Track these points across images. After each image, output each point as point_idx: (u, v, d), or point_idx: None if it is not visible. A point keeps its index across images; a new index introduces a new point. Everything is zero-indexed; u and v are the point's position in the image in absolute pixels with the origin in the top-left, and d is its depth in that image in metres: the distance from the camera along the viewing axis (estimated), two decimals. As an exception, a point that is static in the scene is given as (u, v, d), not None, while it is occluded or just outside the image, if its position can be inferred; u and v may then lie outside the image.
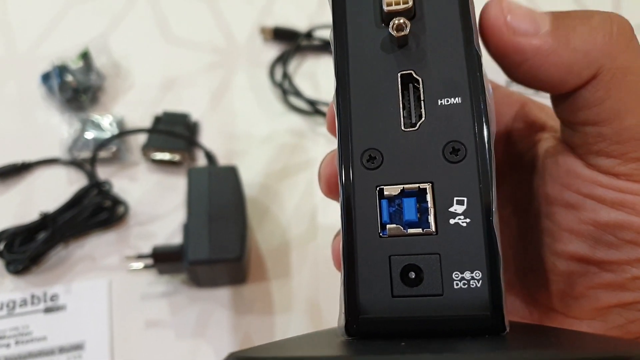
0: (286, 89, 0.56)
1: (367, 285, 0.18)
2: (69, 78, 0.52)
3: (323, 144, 0.53)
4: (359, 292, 0.18)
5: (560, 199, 0.21)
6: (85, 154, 0.49)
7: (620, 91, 0.18)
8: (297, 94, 0.55)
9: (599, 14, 0.19)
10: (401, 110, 0.19)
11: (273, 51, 0.59)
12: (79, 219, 0.45)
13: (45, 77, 0.53)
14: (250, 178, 0.49)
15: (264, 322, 0.44)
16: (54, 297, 0.43)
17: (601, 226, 0.20)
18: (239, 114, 0.55)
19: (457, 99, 0.18)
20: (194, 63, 0.57)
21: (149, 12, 0.61)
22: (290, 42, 0.59)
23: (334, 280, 0.23)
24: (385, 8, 0.19)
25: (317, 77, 0.58)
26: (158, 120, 0.52)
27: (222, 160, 0.50)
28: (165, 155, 0.50)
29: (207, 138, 0.52)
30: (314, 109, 0.55)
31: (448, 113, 0.18)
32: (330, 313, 0.44)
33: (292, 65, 0.58)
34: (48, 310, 0.43)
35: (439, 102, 0.18)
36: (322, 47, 0.59)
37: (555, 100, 0.20)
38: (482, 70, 0.18)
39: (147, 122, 0.52)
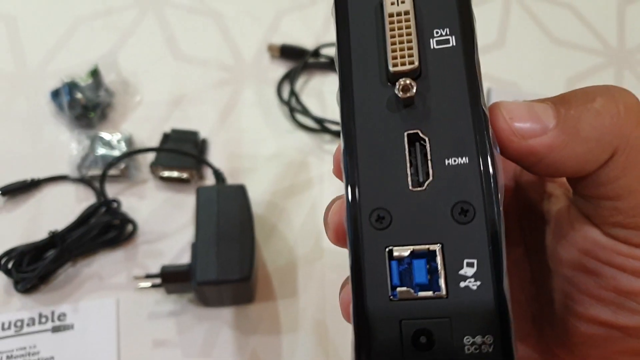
0: (293, 107, 0.56)
1: (378, 350, 0.18)
2: (78, 95, 0.52)
3: (329, 161, 0.53)
4: (371, 357, 0.18)
5: (578, 264, 0.21)
6: (94, 172, 0.50)
7: (635, 169, 0.18)
8: (304, 111, 0.56)
9: (600, 93, 0.18)
10: (408, 169, 0.19)
11: (280, 69, 0.59)
12: (88, 238, 0.45)
13: (55, 94, 0.53)
14: (257, 195, 0.49)
15: (271, 341, 0.44)
16: (61, 317, 0.43)
17: (623, 293, 0.20)
18: (246, 131, 0.55)
19: (464, 158, 0.18)
20: (202, 80, 0.58)
21: (157, 30, 0.61)
22: (297, 59, 0.59)
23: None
24: (391, 69, 0.19)
25: (324, 94, 0.58)
26: (166, 137, 0.52)
27: (229, 177, 0.50)
28: (174, 173, 0.50)
29: (215, 155, 0.53)
30: (321, 126, 0.55)
31: (455, 173, 0.18)
32: (336, 333, 0.44)
33: (299, 83, 0.58)
34: (56, 329, 0.43)
35: (446, 161, 0.18)
36: (329, 65, 0.60)
37: (575, 182, 0.21)
38: (488, 129, 0.18)
39: (155, 139, 0.52)
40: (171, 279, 0.42)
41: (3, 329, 0.42)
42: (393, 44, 0.19)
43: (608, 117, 0.18)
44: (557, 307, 0.22)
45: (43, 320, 0.43)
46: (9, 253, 0.44)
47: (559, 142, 0.18)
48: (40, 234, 0.45)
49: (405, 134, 0.19)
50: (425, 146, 0.19)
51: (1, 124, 0.54)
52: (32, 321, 0.43)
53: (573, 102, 0.19)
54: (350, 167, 0.19)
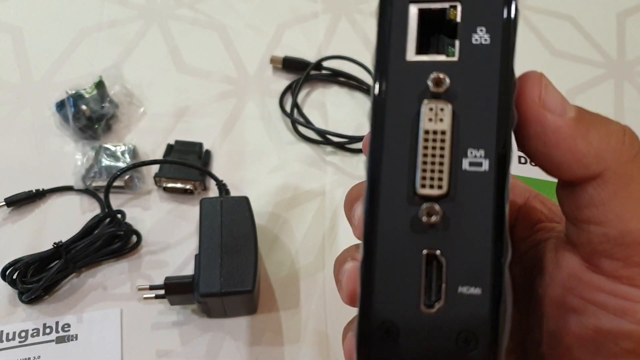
0: (295, 119, 0.56)
1: None
2: (83, 107, 0.53)
3: (331, 172, 0.54)
4: None
5: (562, 302, 0.21)
6: (99, 183, 0.50)
7: (624, 196, 0.19)
8: (306, 123, 0.56)
9: (616, 123, 0.20)
10: (423, 288, 0.19)
11: (283, 81, 0.60)
12: (92, 249, 0.45)
13: (60, 106, 0.54)
14: (259, 206, 0.50)
15: (273, 352, 0.44)
16: (65, 327, 0.44)
17: (603, 334, 0.20)
18: (249, 143, 0.55)
19: (477, 289, 0.18)
20: (205, 92, 0.58)
21: (162, 42, 0.62)
22: (300, 72, 0.60)
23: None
24: (419, 190, 0.19)
25: (326, 106, 0.59)
26: (170, 149, 0.53)
27: (232, 188, 0.50)
28: (178, 185, 0.50)
29: (218, 166, 0.53)
30: (323, 138, 0.55)
31: (466, 302, 0.18)
32: (338, 345, 0.44)
33: (301, 95, 0.59)
34: (60, 340, 0.43)
35: (459, 289, 0.19)
36: (331, 77, 0.60)
37: (563, 194, 0.21)
38: (507, 260, 0.18)
39: (159, 151, 0.53)
40: (175, 290, 0.43)
41: (7, 339, 0.43)
42: (424, 163, 0.19)
43: (614, 139, 0.19)
44: (544, 349, 0.22)
45: (47, 330, 0.43)
46: (13, 264, 0.44)
47: (568, 130, 0.19)
48: (45, 245, 0.46)
49: (424, 253, 0.19)
50: (441, 269, 0.19)
51: (6, 135, 0.54)
52: (36, 332, 0.43)
53: (593, 116, 0.20)
54: (367, 277, 0.19)
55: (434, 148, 0.19)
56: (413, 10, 0.20)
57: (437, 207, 0.18)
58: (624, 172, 0.19)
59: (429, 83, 0.19)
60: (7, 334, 0.43)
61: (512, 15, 0.19)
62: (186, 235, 0.49)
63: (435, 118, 0.19)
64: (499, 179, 0.19)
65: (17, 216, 0.49)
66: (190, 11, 0.65)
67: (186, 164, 0.50)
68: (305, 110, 0.58)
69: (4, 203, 0.49)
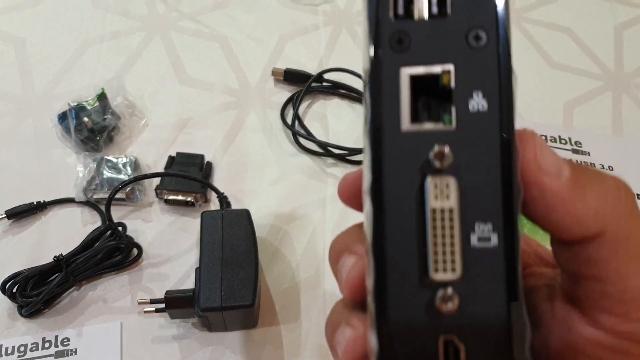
0: (296, 130, 0.56)
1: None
2: (85, 118, 0.53)
3: (332, 184, 0.54)
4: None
5: (562, 356, 0.21)
6: (100, 195, 0.50)
7: (623, 254, 0.19)
8: (308, 135, 0.56)
9: (611, 177, 0.20)
10: None
11: (284, 93, 0.60)
12: (92, 262, 0.45)
13: (62, 117, 0.54)
14: (260, 219, 0.50)
15: (274, 366, 0.44)
16: (65, 341, 0.43)
17: None
18: (250, 155, 0.55)
19: None
20: (207, 104, 0.58)
21: (164, 54, 0.62)
22: (301, 83, 0.60)
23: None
24: (432, 275, 0.18)
25: (327, 118, 0.59)
26: (172, 160, 0.53)
27: (233, 200, 0.50)
28: (179, 197, 0.50)
29: (220, 178, 0.53)
30: (324, 150, 0.55)
31: None
32: (339, 358, 0.44)
33: (303, 107, 0.59)
34: (59, 354, 0.43)
35: None
36: (332, 89, 0.60)
37: (560, 249, 0.21)
38: (528, 341, 0.18)
39: (161, 163, 0.53)
40: (175, 304, 0.43)
41: (6, 354, 0.43)
42: (435, 245, 0.18)
43: (611, 198, 0.19)
44: None
45: (46, 345, 0.43)
46: (13, 277, 0.44)
47: (566, 192, 0.19)
48: (46, 258, 0.45)
49: (441, 339, 0.18)
50: (459, 353, 0.18)
51: (8, 146, 0.54)
52: (35, 346, 0.43)
53: (587, 172, 0.20)
54: None
55: (443, 228, 0.18)
56: (405, 75, 0.19)
57: (452, 291, 0.18)
58: (622, 230, 0.19)
59: (432, 158, 0.18)
60: (7, 349, 0.43)
61: (509, 78, 0.18)
62: (187, 248, 0.49)
63: (442, 195, 0.18)
64: (509, 253, 0.18)
65: (17, 228, 0.49)
66: (193, 23, 0.65)
67: (187, 176, 0.50)
68: (307, 122, 0.58)
69: (4, 215, 0.49)
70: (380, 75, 0.19)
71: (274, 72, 0.60)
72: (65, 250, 0.46)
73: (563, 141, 0.43)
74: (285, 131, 0.57)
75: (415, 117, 0.19)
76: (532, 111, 0.60)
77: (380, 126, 0.19)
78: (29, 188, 0.51)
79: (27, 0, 0.66)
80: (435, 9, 0.19)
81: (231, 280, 0.42)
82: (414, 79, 0.19)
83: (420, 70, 0.18)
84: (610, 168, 0.42)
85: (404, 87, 0.18)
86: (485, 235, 0.18)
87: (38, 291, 0.44)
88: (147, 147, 0.55)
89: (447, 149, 0.18)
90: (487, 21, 0.18)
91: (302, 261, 0.49)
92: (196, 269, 0.44)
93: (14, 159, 0.53)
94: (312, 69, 0.61)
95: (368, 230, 0.19)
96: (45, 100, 0.57)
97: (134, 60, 0.61)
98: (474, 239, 0.18)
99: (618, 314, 0.19)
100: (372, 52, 0.19)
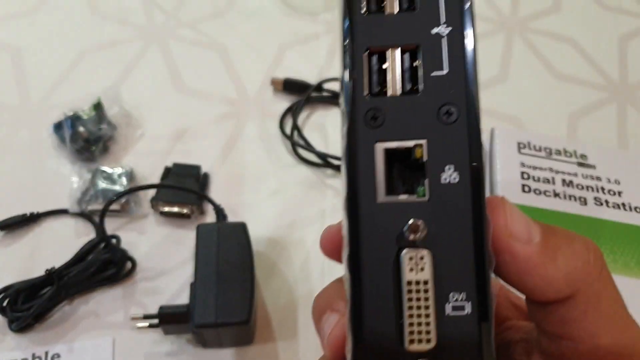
0: (295, 141, 0.56)
1: None
2: (81, 128, 0.52)
3: (332, 196, 0.53)
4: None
5: None
6: (94, 206, 0.49)
7: (594, 315, 0.20)
8: (307, 145, 0.55)
9: (579, 239, 0.21)
10: None
11: (283, 103, 0.59)
12: (85, 275, 0.44)
13: (57, 127, 0.53)
14: (257, 231, 0.49)
15: (270, 384, 0.43)
16: (55, 357, 0.42)
17: None
18: (248, 166, 0.55)
19: None
20: (204, 114, 0.58)
21: (161, 63, 0.61)
22: (300, 93, 0.59)
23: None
24: (407, 347, 0.18)
25: (327, 129, 0.58)
26: (168, 171, 0.52)
27: (230, 212, 0.50)
28: (174, 209, 0.49)
29: (217, 189, 0.52)
30: (323, 161, 0.54)
31: None
32: (337, 376, 0.43)
33: (302, 117, 0.58)
34: (50, 370, 0.42)
35: None
36: (332, 99, 0.59)
37: (534, 309, 0.22)
38: None
39: (157, 173, 0.52)
40: (169, 320, 0.42)
41: (-4, 369, 0.42)
42: (410, 316, 0.19)
43: (581, 261, 0.20)
44: None
45: (37, 360, 0.42)
46: (4, 290, 0.43)
47: (537, 257, 0.20)
48: (38, 270, 0.44)
49: None
50: None
51: (3, 156, 0.53)
52: (25, 361, 0.42)
53: (557, 234, 0.20)
54: None
55: (418, 299, 0.19)
56: (379, 150, 0.19)
57: None
58: (592, 291, 0.20)
59: (406, 232, 0.19)
60: (-4, 364, 0.42)
61: (479, 151, 0.19)
62: (182, 261, 0.48)
63: (417, 268, 0.19)
64: (482, 323, 0.19)
65: (9, 240, 0.49)
66: (191, 31, 0.64)
67: (183, 188, 0.49)
68: (306, 133, 0.57)
69: (-4, 227, 0.48)
70: (356, 150, 0.19)
71: (273, 82, 0.59)
72: (57, 263, 0.45)
73: (568, 154, 0.42)
74: (283, 142, 0.56)
75: (390, 190, 0.19)
76: (535, 122, 0.59)
77: (356, 198, 0.19)
78: (23, 198, 0.50)
79: (23, 9, 0.65)
80: (408, 86, 0.20)
81: (226, 296, 0.41)
82: (389, 152, 0.19)
83: (394, 144, 0.19)
84: (617, 182, 0.41)
85: (379, 161, 0.19)
86: (459, 304, 0.19)
87: (29, 305, 0.43)
88: (143, 158, 0.54)
89: (421, 223, 0.19)
90: (458, 97, 0.19)
91: (301, 276, 0.48)
92: (191, 284, 0.43)
93: (8, 169, 0.53)
94: (312, 79, 0.60)
95: (347, 296, 0.20)
96: (41, 110, 0.56)
97: (130, 69, 0.61)
98: (448, 309, 0.19)
99: None
100: (348, 129, 0.20)
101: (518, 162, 0.41)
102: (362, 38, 0.20)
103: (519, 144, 0.42)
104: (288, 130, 0.57)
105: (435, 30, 0.19)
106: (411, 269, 0.19)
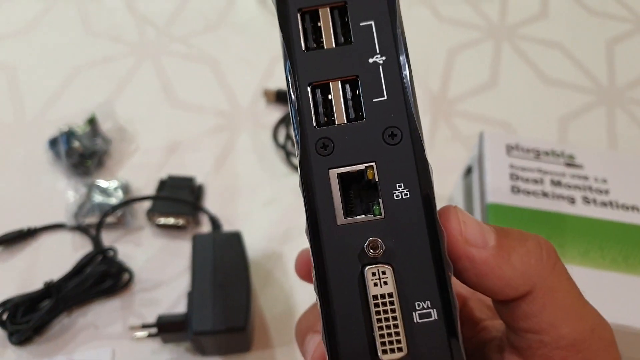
0: (289, 151, 0.56)
1: None
2: (76, 144, 0.53)
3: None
4: None
5: None
6: (91, 219, 0.50)
7: (552, 306, 0.21)
8: (300, 155, 0.56)
9: (532, 238, 0.22)
10: None
11: (276, 113, 0.60)
12: (83, 287, 0.45)
13: (53, 143, 0.54)
14: (253, 241, 0.49)
15: (269, 391, 0.43)
16: (56, 369, 0.43)
17: None
18: (242, 176, 0.55)
19: None
20: (198, 126, 0.58)
21: (154, 77, 0.62)
22: (293, 104, 0.60)
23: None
24: (381, 357, 0.19)
25: (320, 138, 0.58)
26: (163, 184, 0.53)
27: (226, 223, 0.50)
28: (170, 220, 0.50)
29: (211, 200, 0.53)
30: (317, 170, 0.55)
31: None
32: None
33: (295, 127, 0.59)
34: (50, 382, 0.42)
35: None
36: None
37: (499, 307, 0.23)
38: None
39: (152, 186, 0.53)
40: (167, 328, 0.42)
41: (-4, 382, 0.42)
42: (380, 328, 0.20)
43: (534, 258, 0.21)
44: None
45: (37, 372, 0.42)
46: (3, 304, 0.43)
47: (492, 260, 0.21)
48: (36, 284, 0.45)
49: None
50: None
51: (-1, 172, 0.54)
52: (26, 374, 0.42)
53: (511, 236, 0.22)
54: None
55: (385, 312, 0.20)
56: (333, 175, 0.20)
57: None
58: (547, 285, 0.21)
59: (366, 250, 0.20)
60: (-4, 377, 0.42)
61: (425, 167, 0.20)
62: (179, 272, 0.48)
63: (380, 282, 0.20)
64: (449, 325, 0.20)
65: (8, 255, 0.49)
66: (183, 46, 0.65)
67: (178, 199, 0.50)
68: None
69: (-6, 242, 0.48)
70: (311, 178, 0.20)
71: (266, 93, 0.60)
72: (56, 276, 0.45)
73: (556, 155, 0.42)
74: (277, 152, 0.57)
75: (348, 212, 0.20)
76: (526, 127, 0.60)
77: (317, 223, 0.20)
78: (20, 214, 0.51)
79: (18, 28, 0.66)
80: (352, 114, 0.21)
81: (223, 303, 0.41)
82: (342, 177, 0.20)
83: (346, 169, 0.20)
84: (604, 181, 0.41)
85: (334, 186, 0.20)
86: (425, 311, 0.20)
87: (28, 318, 0.43)
88: (138, 171, 0.54)
89: (379, 240, 0.20)
90: (400, 120, 0.20)
91: (296, 284, 0.49)
92: (188, 293, 0.43)
93: (5, 185, 0.53)
94: (304, 89, 0.61)
95: (320, 316, 0.20)
96: (36, 127, 0.57)
97: (124, 84, 0.61)
98: (415, 317, 0.20)
99: (557, 359, 0.21)
100: (301, 159, 0.21)
101: (507, 164, 0.42)
102: (304, 74, 0.21)
103: (507, 147, 0.42)
104: (281, 140, 0.57)
105: (371, 60, 0.21)
106: (375, 284, 0.20)
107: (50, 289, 0.44)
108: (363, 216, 0.20)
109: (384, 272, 0.20)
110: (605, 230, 0.39)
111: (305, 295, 0.48)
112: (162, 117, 0.59)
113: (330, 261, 0.20)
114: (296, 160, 0.50)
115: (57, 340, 0.44)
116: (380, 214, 0.20)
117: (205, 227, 0.51)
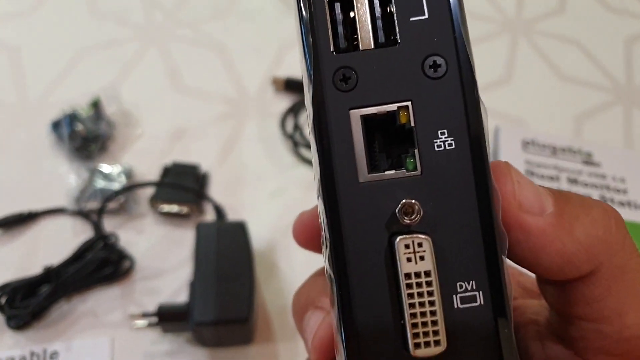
0: (297, 141, 0.55)
1: None
2: (79, 127, 0.51)
3: (333, 196, 0.52)
4: None
5: None
6: (93, 205, 0.49)
7: (619, 290, 0.17)
8: (308, 145, 0.55)
9: (597, 204, 0.18)
10: None
11: (284, 102, 0.58)
12: (83, 274, 0.44)
13: (56, 125, 0.52)
14: (258, 231, 0.48)
15: (270, 385, 0.42)
16: (53, 355, 0.42)
17: None
18: (248, 166, 0.54)
19: None
20: (204, 113, 0.57)
21: (160, 62, 0.61)
22: (302, 93, 0.58)
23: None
24: (414, 352, 0.15)
25: (329, 129, 0.57)
26: (167, 171, 0.51)
27: (230, 212, 0.49)
28: (174, 208, 0.49)
29: (216, 189, 0.52)
30: (325, 161, 0.54)
31: None
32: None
33: (304, 117, 0.58)
34: (47, 369, 0.41)
35: None
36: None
37: (548, 289, 0.19)
38: None
39: (156, 172, 0.52)
40: (168, 318, 0.41)
41: (-8, 368, 0.41)
42: (413, 315, 0.15)
43: (602, 229, 0.17)
44: None
45: (34, 358, 0.42)
46: (1, 288, 0.42)
47: (552, 230, 0.17)
48: (35, 268, 0.44)
49: None
50: None
51: (0, 154, 0.53)
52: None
53: (572, 201, 0.18)
54: None
55: (420, 295, 0.15)
56: (355, 118, 0.16)
57: None
58: (616, 264, 0.17)
59: (399, 215, 0.16)
60: (-8, 363, 0.41)
61: (476, 109, 0.16)
62: (181, 260, 0.47)
63: (415, 257, 0.16)
64: (498, 311, 0.16)
65: (7, 238, 0.48)
66: (191, 31, 0.64)
67: (183, 186, 0.49)
68: (308, 133, 0.56)
69: (-6, 225, 0.47)
70: (327, 121, 0.16)
71: (275, 82, 0.59)
72: (55, 261, 0.44)
73: (573, 152, 0.41)
74: (284, 142, 0.56)
75: (373, 165, 0.16)
76: (541, 124, 0.58)
77: (333, 179, 0.16)
78: (21, 197, 0.50)
79: (22, 9, 0.65)
80: (382, 37, 0.16)
81: (226, 294, 0.40)
82: (367, 120, 0.16)
83: (372, 110, 0.16)
84: (622, 180, 0.40)
85: (356, 132, 0.16)
86: (469, 294, 0.16)
87: (27, 303, 0.42)
88: (142, 157, 0.53)
89: (415, 203, 0.16)
90: (445, 46, 0.16)
91: (301, 276, 0.47)
92: (190, 283, 0.42)
93: (6, 167, 0.52)
94: (314, 79, 0.59)
95: (334, 299, 0.17)
96: (39, 109, 0.56)
97: (130, 68, 0.60)
98: (456, 301, 0.16)
99: (617, 354, 0.18)
100: (314, 95, 0.16)
101: (523, 160, 0.41)
102: None
103: (523, 142, 0.41)
104: (289, 130, 0.56)
105: None
106: (408, 259, 0.16)
107: (50, 274, 0.43)
108: (393, 172, 0.16)
109: (420, 244, 0.16)
110: (623, 231, 0.38)
111: (310, 289, 0.46)
112: (168, 103, 0.58)
113: (349, 229, 0.16)
114: (303, 151, 0.44)
115: (55, 326, 0.43)
116: (415, 169, 0.16)
117: (209, 216, 0.50)
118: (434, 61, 0.16)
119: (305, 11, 0.16)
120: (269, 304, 0.46)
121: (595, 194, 0.39)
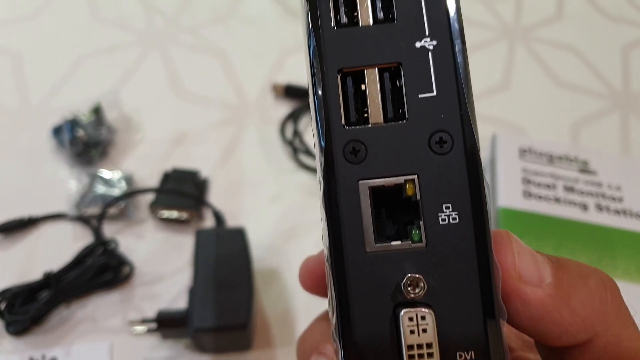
0: (297, 147, 0.55)
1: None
2: (80, 133, 0.52)
3: (332, 202, 0.53)
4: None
5: None
6: (93, 210, 0.49)
7: (614, 357, 0.18)
8: (308, 151, 0.55)
9: (593, 274, 0.18)
10: None
11: (284, 108, 0.59)
12: (83, 279, 0.44)
13: (57, 131, 0.53)
14: (257, 237, 0.48)
15: (268, 391, 0.42)
16: (53, 361, 0.42)
17: None
18: (248, 171, 0.54)
19: None
20: (204, 119, 0.57)
21: (161, 67, 0.61)
22: (302, 99, 0.59)
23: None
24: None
25: (328, 135, 0.57)
26: (167, 177, 0.52)
27: (230, 218, 0.49)
28: (173, 214, 0.49)
29: (216, 195, 0.52)
30: (323, 167, 0.54)
31: None
32: (336, 383, 0.42)
33: (303, 123, 0.58)
34: (46, 375, 0.41)
35: None
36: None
37: (546, 352, 0.20)
38: None
39: (156, 178, 0.52)
40: (167, 324, 0.41)
41: (-8, 373, 0.41)
42: None
43: (598, 300, 0.18)
44: None
45: (34, 364, 0.42)
46: (1, 294, 0.43)
47: (550, 301, 0.17)
48: (35, 274, 0.44)
49: None
50: None
51: (1, 159, 0.53)
52: (22, 366, 0.42)
53: (570, 271, 0.18)
54: None
55: None
56: (364, 189, 0.17)
57: None
58: (612, 333, 0.18)
59: (404, 288, 0.16)
60: (-8, 368, 0.41)
61: (480, 185, 0.17)
62: (180, 266, 0.47)
63: (418, 329, 0.16)
64: None
65: (7, 243, 0.48)
66: (191, 37, 0.65)
67: (182, 193, 0.49)
68: (307, 138, 0.57)
69: (-6, 230, 0.48)
70: (337, 192, 0.17)
71: (275, 87, 0.59)
72: (55, 267, 0.44)
73: (569, 160, 0.42)
74: (284, 148, 0.56)
75: (380, 234, 0.17)
76: (538, 131, 0.59)
77: (342, 248, 0.17)
78: (21, 202, 0.50)
79: (24, 14, 0.65)
80: (391, 112, 0.17)
81: (225, 300, 0.41)
82: (375, 192, 0.17)
83: (380, 182, 0.17)
84: (618, 188, 0.40)
85: (364, 202, 0.17)
86: None
87: (26, 308, 0.42)
88: (143, 162, 0.53)
89: (421, 278, 0.16)
90: (451, 123, 0.17)
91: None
92: (190, 289, 0.42)
93: (7, 172, 0.52)
94: (313, 85, 0.60)
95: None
96: (40, 114, 0.56)
97: (131, 73, 0.60)
98: None
99: None
100: (325, 167, 0.17)
101: (519, 168, 0.41)
102: (333, 57, 0.17)
103: (520, 150, 0.41)
104: (289, 136, 0.56)
105: (419, 44, 0.17)
106: (412, 331, 0.16)
107: (50, 280, 0.43)
108: (399, 242, 0.17)
109: (423, 318, 0.16)
110: (619, 239, 0.38)
111: (310, 296, 0.47)
112: (168, 109, 0.58)
113: (355, 298, 0.17)
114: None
115: (54, 331, 0.44)
116: (420, 240, 0.17)
117: (209, 222, 0.50)
118: (440, 137, 0.17)
119: (319, 86, 0.17)
120: (268, 310, 0.46)
121: (591, 202, 0.40)
